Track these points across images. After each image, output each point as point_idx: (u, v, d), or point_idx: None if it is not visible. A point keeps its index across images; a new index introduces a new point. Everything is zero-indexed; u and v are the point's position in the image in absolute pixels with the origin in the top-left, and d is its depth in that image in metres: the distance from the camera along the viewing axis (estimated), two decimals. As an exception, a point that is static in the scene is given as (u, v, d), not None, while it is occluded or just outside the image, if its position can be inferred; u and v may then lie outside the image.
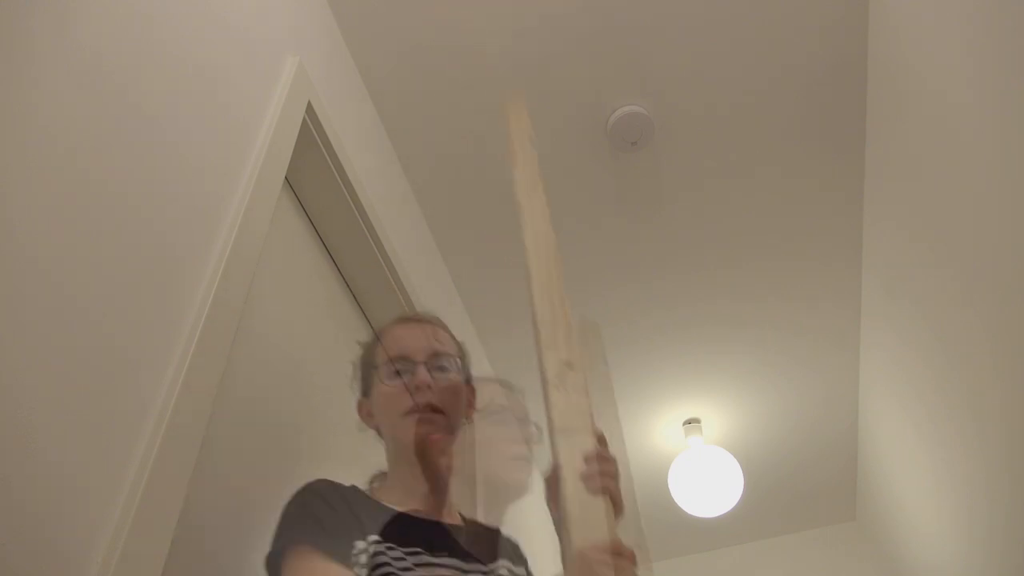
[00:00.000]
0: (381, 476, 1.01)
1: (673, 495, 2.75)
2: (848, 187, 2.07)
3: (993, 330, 1.56)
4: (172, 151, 0.88)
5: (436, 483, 0.94)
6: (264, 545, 0.81)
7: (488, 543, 0.97)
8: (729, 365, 2.59)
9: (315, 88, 1.36)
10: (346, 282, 1.49)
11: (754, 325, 2.44)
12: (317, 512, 0.81)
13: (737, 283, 2.31)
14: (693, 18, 1.72)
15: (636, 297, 2.32)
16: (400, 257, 1.62)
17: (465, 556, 0.88)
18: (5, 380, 0.57)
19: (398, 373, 0.97)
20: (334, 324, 1.38)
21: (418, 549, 0.83)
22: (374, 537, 0.81)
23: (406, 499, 0.91)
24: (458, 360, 1.04)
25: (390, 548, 0.81)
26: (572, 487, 0.63)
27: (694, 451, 2.71)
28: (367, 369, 1.05)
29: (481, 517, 1.04)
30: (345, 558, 0.77)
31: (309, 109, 1.28)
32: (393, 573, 0.78)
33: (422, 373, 0.96)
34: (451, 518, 0.97)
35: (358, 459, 1.30)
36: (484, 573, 0.89)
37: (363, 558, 0.79)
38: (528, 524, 1.42)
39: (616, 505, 0.68)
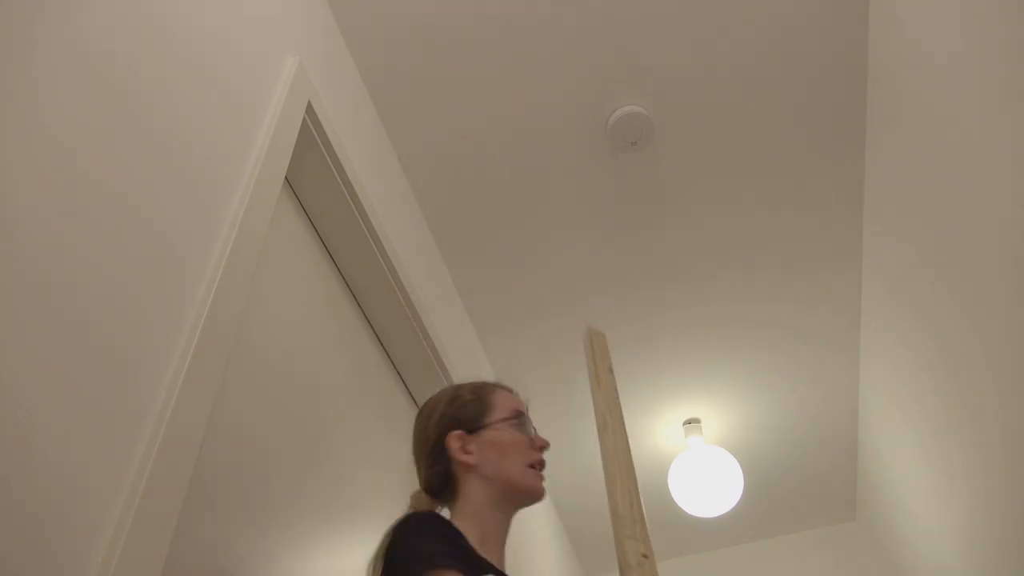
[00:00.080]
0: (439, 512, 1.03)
1: (673, 495, 2.75)
2: (848, 188, 2.07)
3: (991, 333, 1.56)
4: (171, 151, 0.88)
5: (506, 536, 1.02)
6: (265, 545, 0.81)
7: None
8: (729, 365, 2.59)
9: (315, 88, 1.36)
10: (346, 282, 1.49)
11: (754, 326, 2.45)
12: (450, 539, 0.87)
13: (737, 284, 2.31)
14: (693, 18, 1.72)
15: (635, 297, 2.32)
16: (400, 257, 1.62)
17: None
18: (5, 380, 0.57)
19: (521, 426, 1.09)
20: (334, 324, 1.38)
21: None
22: None
23: (481, 545, 0.94)
24: None
25: None
26: None
27: (694, 451, 2.71)
28: (479, 408, 1.08)
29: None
30: None
31: (309, 109, 1.28)
32: None
33: (539, 435, 1.11)
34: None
35: (358, 459, 1.30)
36: None
37: None
38: (529, 525, 1.42)
39: None
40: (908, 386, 2.19)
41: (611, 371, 1.12)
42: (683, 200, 2.08)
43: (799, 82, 1.84)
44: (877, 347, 2.37)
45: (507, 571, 0.97)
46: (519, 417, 1.10)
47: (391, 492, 1.39)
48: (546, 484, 1.07)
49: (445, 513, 1.03)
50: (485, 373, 2.33)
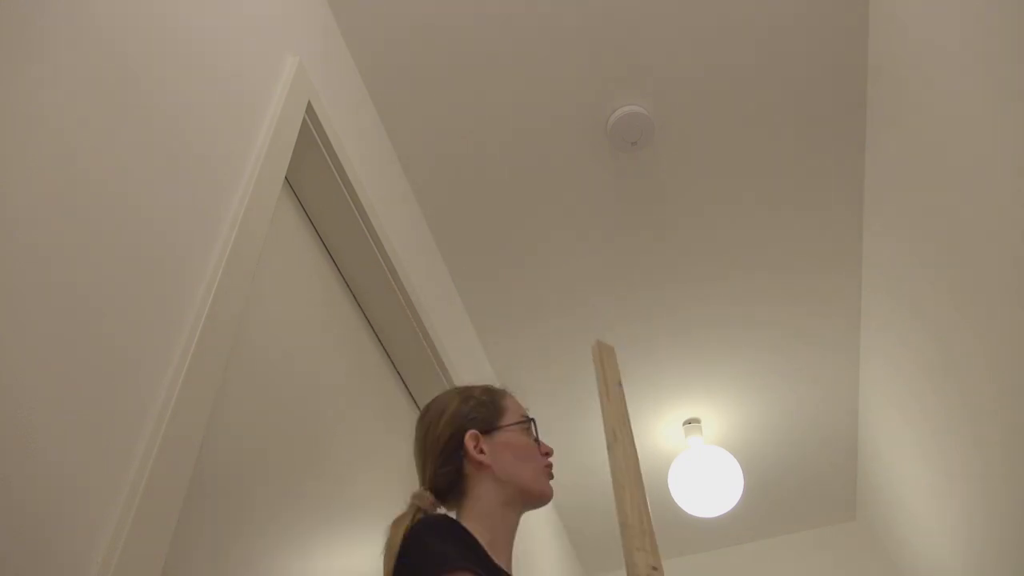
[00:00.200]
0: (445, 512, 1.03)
1: (673, 495, 2.75)
2: (848, 188, 2.07)
3: (991, 333, 1.56)
4: (171, 151, 0.88)
5: (513, 538, 1.03)
6: (264, 545, 0.81)
7: None
8: (729, 365, 2.59)
9: (315, 88, 1.36)
10: (346, 282, 1.49)
11: (754, 326, 2.45)
12: (465, 542, 0.88)
13: (737, 284, 2.31)
14: (693, 18, 1.72)
15: (635, 298, 2.32)
16: (400, 257, 1.62)
17: None
18: (5, 380, 0.57)
19: (530, 431, 1.11)
20: (334, 324, 1.38)
21: None
22: None
23: (490, 548, 0.94)
24: None
25: None
26: None
27: (694, 451, 2.71)
28: (492, 410, 1.10)
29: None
30: None
31: (309, 109, 1.28)
32: None
33: (544, 443, 1.12)
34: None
35: (358, 459, 1.30)
36: None
37: None
38: (529, 526, 1.42)
39: None
40: (908, 386, 2.19)
41: (620, 385, 1.14)
42: (683, 200, 2.08)
43: (799, 82, 1.84)
44: (877, 347, 2.37)
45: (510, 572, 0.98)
46: (529, 422, 1.12)
47: (391, 492, 1.39)
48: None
49: (448, 514, 1.03)
50: (485, 373, 2.33)
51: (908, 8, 1.53)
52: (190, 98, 0.95)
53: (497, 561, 0.93)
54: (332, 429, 1.23)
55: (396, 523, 0.96)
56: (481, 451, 1.04)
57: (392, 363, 1.64)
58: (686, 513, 2.86)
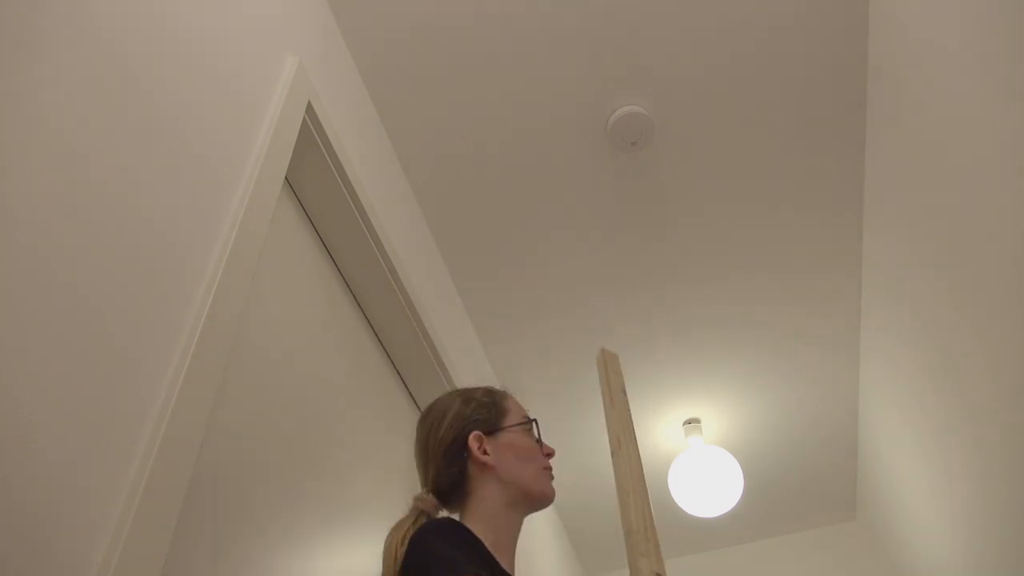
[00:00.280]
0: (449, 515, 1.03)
1: (673, 495, 2.75)
2: (848, 188, 2.07)
3: (991, 333, 1.56)
4: (172, 151, 0.88)
5: (516, 540, 1.03)
6: (264, 545, 0.81)
7: None
8: (729, 365, 2.59)
9: (315, 88, 1.36)
10: (346, 282, 1.49)
11: (754, 326, 2.45)
12: (472, 546, 0.88)
13: (737, 284, 2.31)
14: (693, 18, 1.72)
15: (635, 297, 2.32)
16: (400, 257, 1.62)
17: None
18: (5, 380, 0.57)
19: (536, 433, 1.12)
20: (334, 324, 1.38)
21: None
22: None
23: (493, 549, 0.94)
24: None
25: None
26: None
27: (694, 451, 2.71)
28: (494, 411, 1.10)
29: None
30: None
31: (309, 109, 1.28)
32: None
33: (545, 443, 1.13)
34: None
35: (358, 459, 1.30)
36: None
37: None
38: (529, 525, 1.42)
39: None
40: (908, 386, 2.19)
41: (624, 392, 1.14)
42: (683, 200, 2.08)
43: (799, 82, 1.84)
44: (877, 347, 2.37)
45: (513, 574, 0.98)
46: (531, 423, 1.12)
47: (391, 492, 1.39)
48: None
49: (445, 514, 1.03)
50: (485, 373, 2.33)
51: (908, 8, 1.53)
52: (190, 98, 0.95)
53: (501, 562, 0.93)
54: (332, 429, 1.23)
55: (397, 526, 0.96)
56: (485, 452, 1.04)
57: (392, 363, 1.64)
58: (686, 513, 2.86)
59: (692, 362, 2.56)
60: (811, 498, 3.15)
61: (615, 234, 2.14)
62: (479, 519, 0.99)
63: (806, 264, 2.27)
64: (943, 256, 1.70)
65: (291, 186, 1.32)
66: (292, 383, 1.13)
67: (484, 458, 1.03)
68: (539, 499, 1.06)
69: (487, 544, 0.93)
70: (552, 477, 1.09)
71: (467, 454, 1.04)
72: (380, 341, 1.60)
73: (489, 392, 1.15)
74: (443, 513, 1.03)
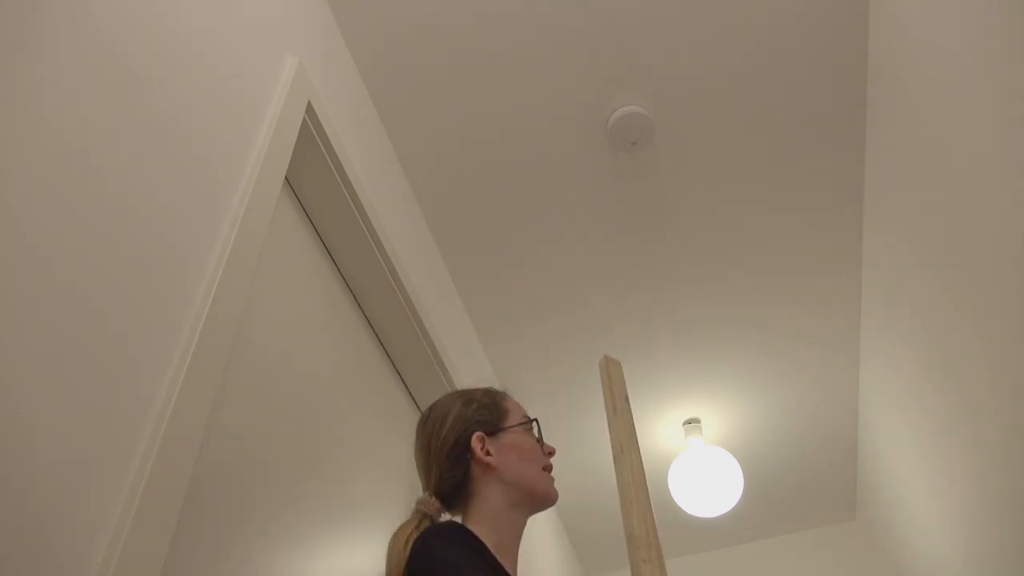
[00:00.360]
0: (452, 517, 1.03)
1: (673, 495, 2.75)
2: (848, 188, 2.07)
3: (991, 333, 1.56)
4: (171, 151, 0.88)
5: (519, 541, 1.03)
6: (264, 545, 0.81)
7: None
8: (729, 365, 2.59)
9: (315, 88, 1.36)
10: (346, 282, 1.49)
11: (754, 326, 2.45)
12: (477, 550, 0.88)
13: (737, 284, 2.31)
14: (693, 18, 1.72)
15: (635, 297, 2.32)
16: (400, 257, 1.62)
17: None
18: (5, 380, 0.57)
19: (537, 433, 1.12)
20: (334, 324, 1.38)
21: None
22: None
23: (497, 551, 0.94)
24: None
25: None
26: None
27: (694, 451, 2.71)
28: (495, 412, 1.10)
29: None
30: None
31: (309, 109, 1.28)
32: None
33: (546, 443, 1.13)
34: None
35: (358, 459, 1.30)
36: None
37: None
38: (529, 525, 1.42)
39: None
40: (908, 386, 2.19)
41: (627, 399, 1.15)
42: (683, 200, 2.08)
43: (799, 82, 1.84)
44: (877, 347, 2.37)
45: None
46: (531, 423, 1.12)
47: (391, 492, 1.39)
48: None
49: (448, 518, 1.03)
50: (485, 373, 2.33)
51: (908, 8, 1.53)
52: (190, 98, 0.95)
53: (504, 564, 0.92)
54: (332, 429, 1.23)
55: (400, 530, 0.95)
56: (488, 453, 1.04)
57: (392, 363, 1.64)
58: (686, 513, 2.86)
59: (692, 362, 2.56)
60: (811, 498, 3.15)
61: (615, 234, 2.14)
62: (482, 521, 0.99)
63: (806, 264, 2.27)
64: (943, 256, 1.70)
65: (291, 186, 1.32)
66: (292, 383, 1.13)
67: (487, 459, 1.03)
68: (543, 499, 1.06)
69: (490, 546, 0.92)
70: (552, 477, 1.10)
71: (470, 455, 1.03)
72: (380, 341, 1.60)
73: (488, 392, 1.15)
74: (445, 516, 1.03)
